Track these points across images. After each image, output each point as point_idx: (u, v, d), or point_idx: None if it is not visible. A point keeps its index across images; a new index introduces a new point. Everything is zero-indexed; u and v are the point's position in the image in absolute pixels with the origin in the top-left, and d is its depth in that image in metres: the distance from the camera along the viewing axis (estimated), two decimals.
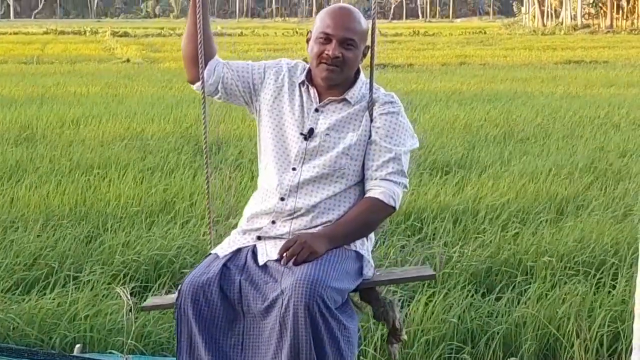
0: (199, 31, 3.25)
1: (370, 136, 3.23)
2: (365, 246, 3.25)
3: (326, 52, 3.19)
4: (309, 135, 3.20)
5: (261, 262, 3.12)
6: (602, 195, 7.69)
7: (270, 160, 3.24)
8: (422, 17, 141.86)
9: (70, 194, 7.38)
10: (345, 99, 3.25)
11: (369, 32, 3.28)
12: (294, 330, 2.88)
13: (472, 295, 5.03)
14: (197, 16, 3.25)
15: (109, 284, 5.16)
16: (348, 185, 3.21)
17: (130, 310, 4.11)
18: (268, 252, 3.15)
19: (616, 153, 9.97)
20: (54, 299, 4.87)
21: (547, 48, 39.70)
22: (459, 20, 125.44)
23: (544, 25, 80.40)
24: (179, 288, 3.09)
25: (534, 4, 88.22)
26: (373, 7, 3.31)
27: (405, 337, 3.37)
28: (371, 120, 3.24)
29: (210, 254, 3.26)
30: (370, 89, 3.26)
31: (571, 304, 4.73)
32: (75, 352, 4.25)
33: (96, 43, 43.57)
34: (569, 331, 4.49)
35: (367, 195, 3.21)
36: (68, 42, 43.04)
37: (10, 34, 56.33)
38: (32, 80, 20.29)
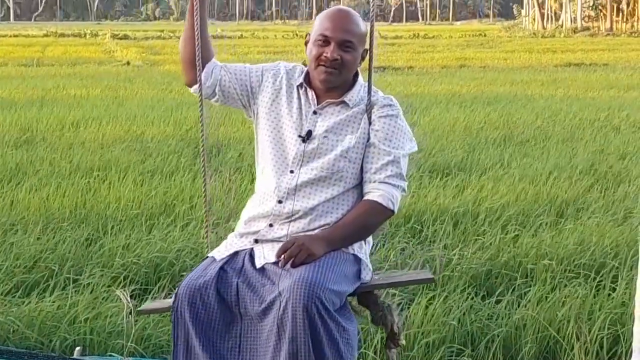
0: (196, 34, 3.23)
1: (368, 139, 3.21)
2: (363, 249, 3.24)
3: (325, 54, 3.18)
4: (307, 137, 3.19)
5: (259, 265, 3.11)
6: (602, 197, 7.68)
7: (267, 163, 3.23)
8: (422, 19, 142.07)
9: (70, 196, 7.37)
10: (343, 102, 3.24)
11: (368, 34, 3.27)
12: (293, 332, 2.86)
13: (472, 298, 5.02)
14: (195, 19, 3.23)
15: (109, 286, 5.15)
16: (346, 188, 3.20)
17: (130, 313, 4.09)
18: (265, 255, 3.13)
19: (616, 156, 9.96)
20: (54, 302, 4.86)
21: (547, 51, 39.69)
22: (459, 22, 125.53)
23: (544, 27, 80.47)
24: (175, 291, 3.07)
25: (534, 7, 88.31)
26: (372, 10, 3.29)
27: (403, 341, 3.36)
28: (370, 123, 3.22)
29: (207, 257, 3.24)
30: (369, 92, 3.25)
31: (571, 306, 4.72)
32: (75, 354, 4.24)
33: (96, 45, 43.55)
34: (569, 334, 4.48)
35: (365, 198, 3.19)
36: (68, 45, 43.00)
37: (11, 36, 56.30)
38: (32, 83, 20.27)
